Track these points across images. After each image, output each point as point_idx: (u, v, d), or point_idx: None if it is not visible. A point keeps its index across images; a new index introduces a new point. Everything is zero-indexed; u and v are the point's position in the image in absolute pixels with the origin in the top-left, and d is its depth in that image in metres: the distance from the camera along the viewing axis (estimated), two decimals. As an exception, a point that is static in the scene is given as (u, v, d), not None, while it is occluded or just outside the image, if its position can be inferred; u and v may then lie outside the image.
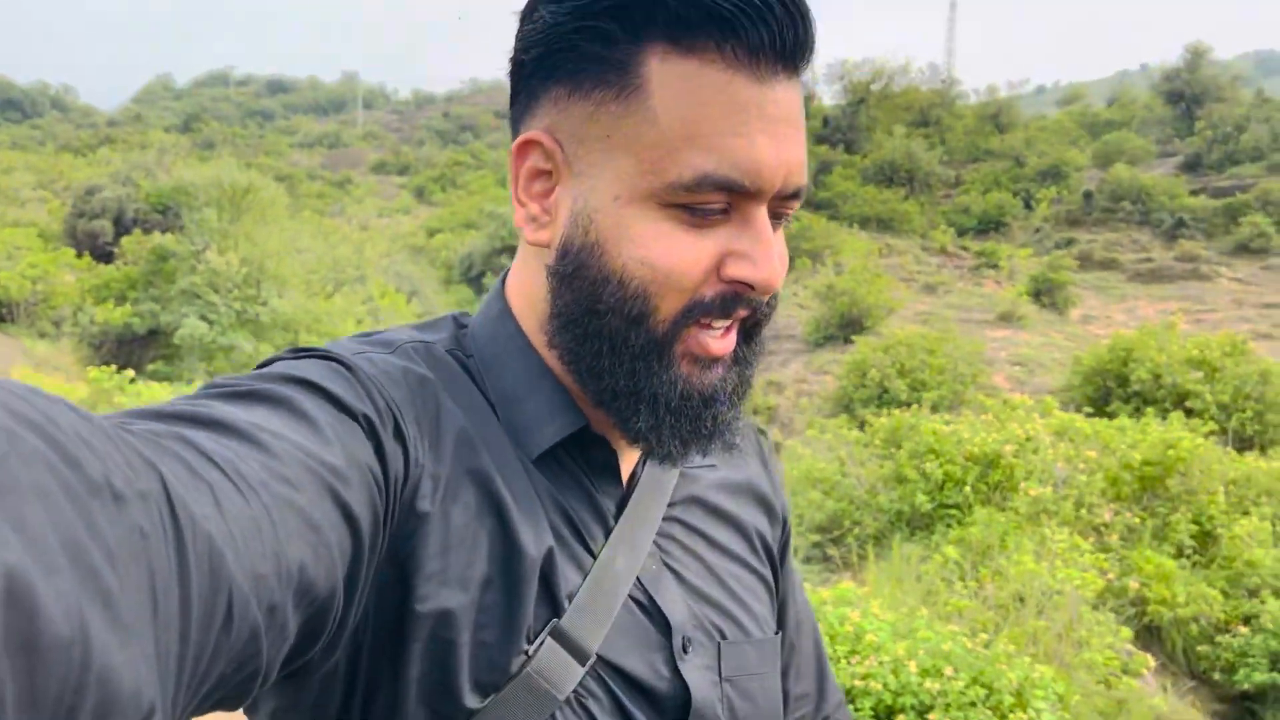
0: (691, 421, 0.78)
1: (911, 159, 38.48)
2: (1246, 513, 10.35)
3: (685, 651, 0.83)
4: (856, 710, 4.33)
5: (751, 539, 0.98)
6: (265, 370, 0.72)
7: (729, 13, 0.69)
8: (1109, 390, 16.62)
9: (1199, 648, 8.79)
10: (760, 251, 0.74)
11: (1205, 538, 10.03)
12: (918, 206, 36.88)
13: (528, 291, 0.84)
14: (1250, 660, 8.49)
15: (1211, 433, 14.05)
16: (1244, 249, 33.07)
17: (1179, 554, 9.69)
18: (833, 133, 42.53)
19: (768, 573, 0.99)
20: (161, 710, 0.44)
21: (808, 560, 9.58)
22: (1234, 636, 8.70)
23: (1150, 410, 14.30)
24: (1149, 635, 9.05)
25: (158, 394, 9.69)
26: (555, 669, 0.75)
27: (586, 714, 0.77)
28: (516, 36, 0.78)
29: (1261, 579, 9.36)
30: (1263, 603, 8.93)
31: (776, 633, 0.97)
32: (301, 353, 0.76)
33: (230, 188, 13.57)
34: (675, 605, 0.85)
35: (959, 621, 6.25)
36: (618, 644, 0.80)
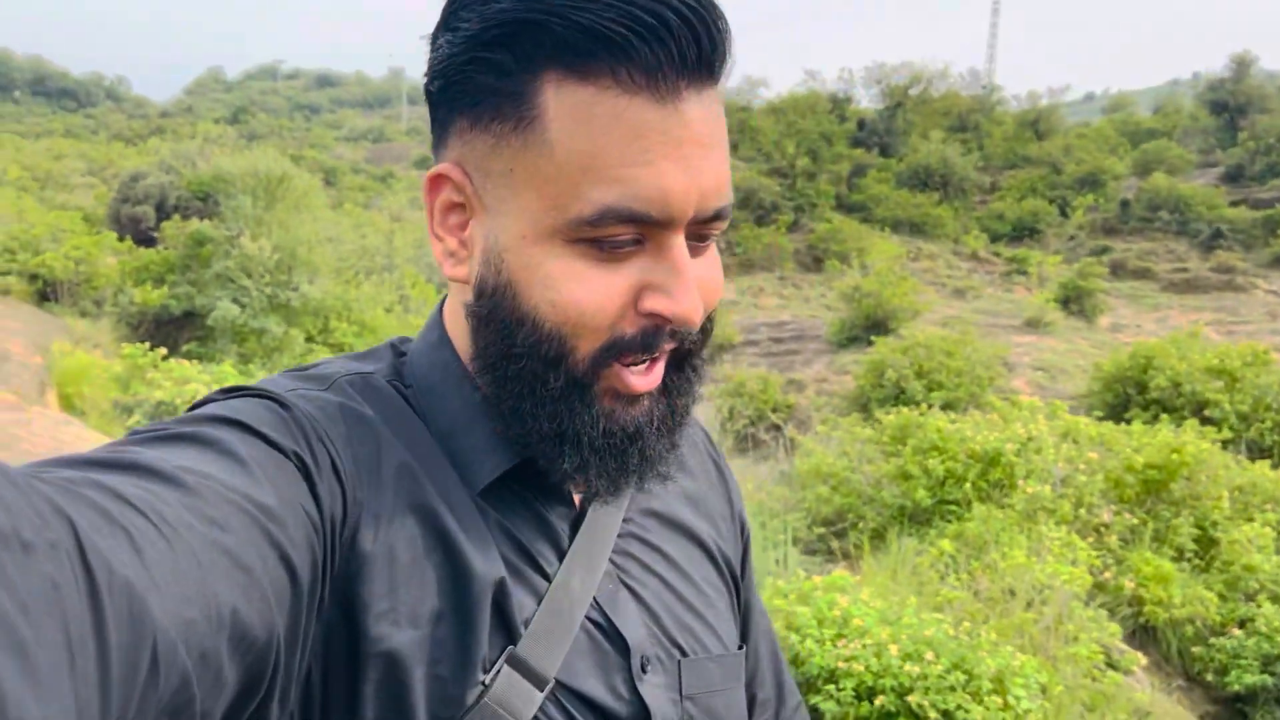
0: (617, 459, 0.76)
1: (946, 164, 38.35)
2: (1251, 519, 10.41)
3: (644, 671, 0.82)
4: (839, 690, 4.53)
5: (710, 550, 0.96)
6: (194, 412, 0.70)
7: (618, 35, 0.66)
8: (1128, 397, 16.65)
9: (1193, 649, 8.83)
10: (678, 284, 0.71)
11: (1208, 542, 10.11)
12: (951, 211, 36.76)
13: (461, 322, 0.81)
14: (1242, 662, 8.55)
15: (1226, 441, 14.09)
16: (1282, 261, 32.73)
17: (1179, 557, 9.79)
18: (868, 136, 42.49)
19: (728, 585, 0.98)
20: None
21: (811, 553, 9.79)
22: (1228, 639, 8.79)
23: (1165, 417, 14.36)
24: (1145, 635, 9.15)
25: (188, 372, 10.08)
26: (513, 697, 0.74)
27: None
28: (427, 63, 0.76)
29: (1260, 583, 9.42)
30: (1259, 606, 9.00)
31: (740, 647, 0.95)
32: (233, 392, 0.75)
33: (265, 176, 14.07)
34: (633, 625, 0.83)
35: (949, 612, 6.41)
36: (576, 667, 0.78)
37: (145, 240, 16.25)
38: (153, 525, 0.52)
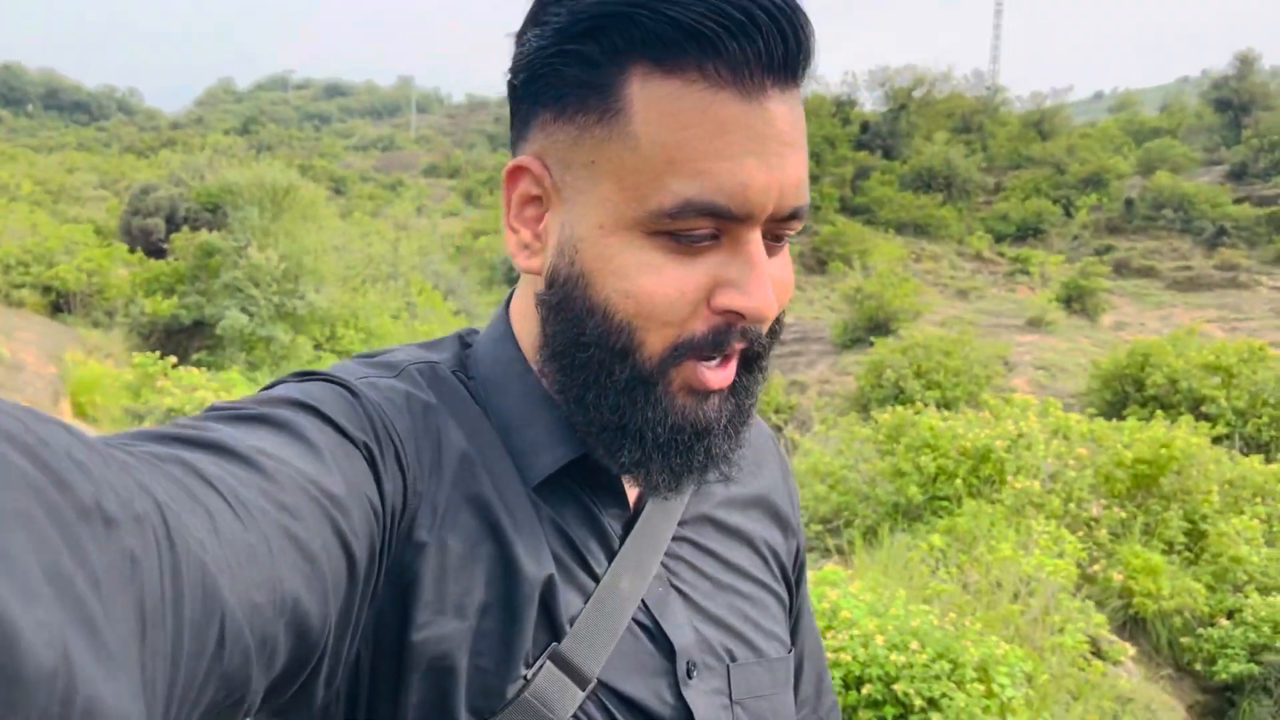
0: (683, 455, 0.76)
1: (950, 165, 38.49)
2: (1241, 512, 10.55)
3: (690, 676, 0.82)
4: (827, 680, 4.75)
5: (764, 555, 0.96)
6: (269, 393, 0.72)
7: (708, 29, 0.67)
8: (1126, 394, 16.75)
9: (1182, 640, 8.98)
10: (752, 279, 0.71)
11: (1197, 535, 10.25)
12: (955, 212, 36.90)
13: (527, 316, 0.82)
14: (1229, 651, 8.64)
15: (1221, 436, 14.22)
16: (1286, 258, 32.77)
17: (1169, 550, 9.94)
18: (872, 139, 42.62)
19: (781, 589, 0.97)
20: None
21: (808, 550, 9.98)
22: (1216, 629, 8.91)
23: (1160, 413, 14.50)
24: (1135, 626, 9.28)
25: (196, 379, 10.34)
26: (554, 693, 0.74)
27: None
28: (511, 60, 0.78)
29: (1248, 574, 9.54)
30: (1246, 597, 9.13)
31: (789, 650, 0.95)
32: (306, 376, 0.76)
33: (271, 187, 14.37)
34: (681, 628, 0.83)
35: (937, 605, 6.57)
36: (619, 668, 0.78)
37: (156, 252, 16.52)
38: (229, 507, 0.54)
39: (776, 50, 0.68)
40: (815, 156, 38.21)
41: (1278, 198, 35.91)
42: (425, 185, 66.84)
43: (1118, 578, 9.16)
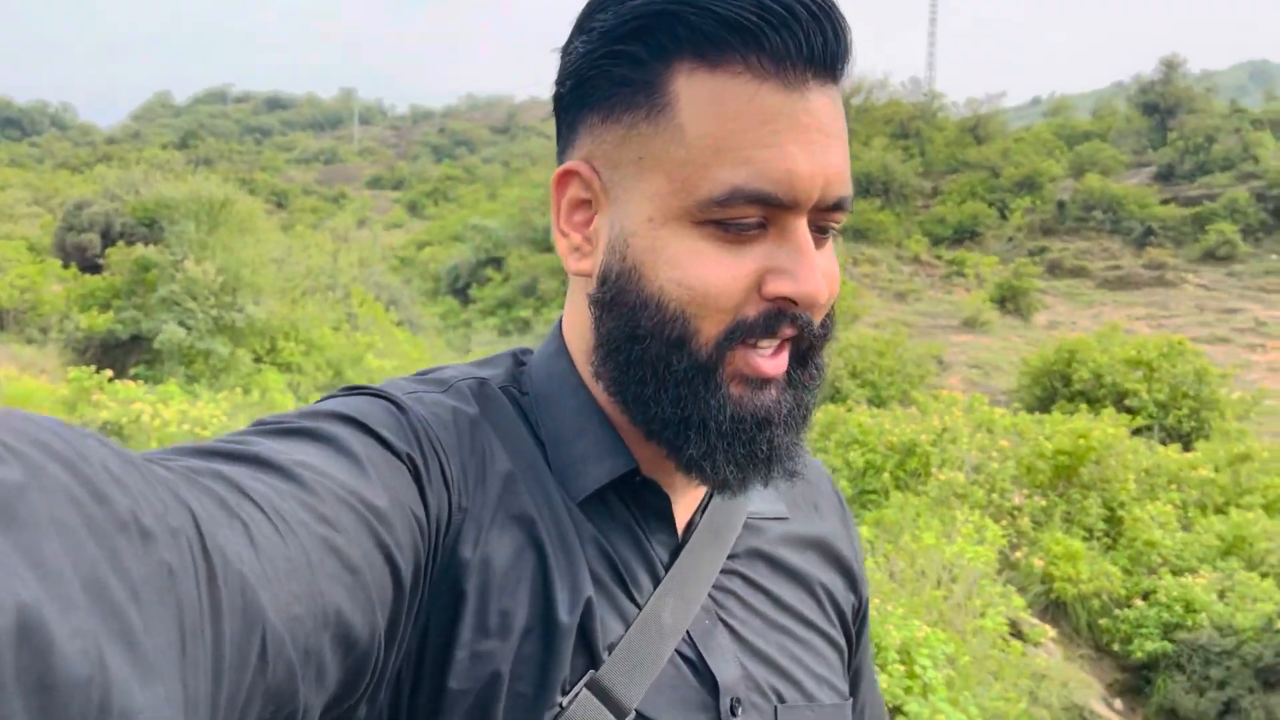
0: (746, 445, 0.75)
1: (887, 171, 39.22)
2: (1157, 498, 10.96)
3: (734, 714, 0.79)
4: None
5: (820, 599, 0.93)
6: (314, 407, 0.72)
7: (751, 23, 0.69)
8: (1055, 390, 17.27)
9: (1101, 621, 9.31)
10: (801, 265, 0.72)
11: (1116, 521, 10.63)
12: (893, 217, 37.60)
13: (578, 326, 0.83)
14: (1144, 631, 8.97)
15: (1142, 428, 14.72)
16: (1211, 256, 33.78)
17: (1089, 536, 10.31)
18: (812, 145, 43.20)
19: (838, 636, 0.94)
20: None
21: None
22: (1132, 610, 9.23)
23: (1084, 407, 14.99)
24: (1057, 610, 9.61)
25: (133, 392, 10.28)
26: None
27: None
28: (557, 71, 0.79)
29: (1162, 557, 9.88)
30: (1160, 579, 9.46)
31: (847, 699, 0.91)
32: (354, 390, 0.76)
33: (208, 201, 14.36)
34: (726, 664, 0.81)
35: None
36: (659, 701, 0.76)
37: (91, 268, 16.36)
38: (268, 520, 0.54)
39: (816, 43, 0.70)
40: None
41: (1202, 198, 37.08)
42: (369, 197, 66.40)
43: (1039, 564, 9.47)
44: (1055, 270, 33.95)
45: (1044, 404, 16.72)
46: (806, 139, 0.70)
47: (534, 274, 31.59)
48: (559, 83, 0.79)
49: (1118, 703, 9.01)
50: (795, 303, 0.72)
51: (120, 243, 15.44)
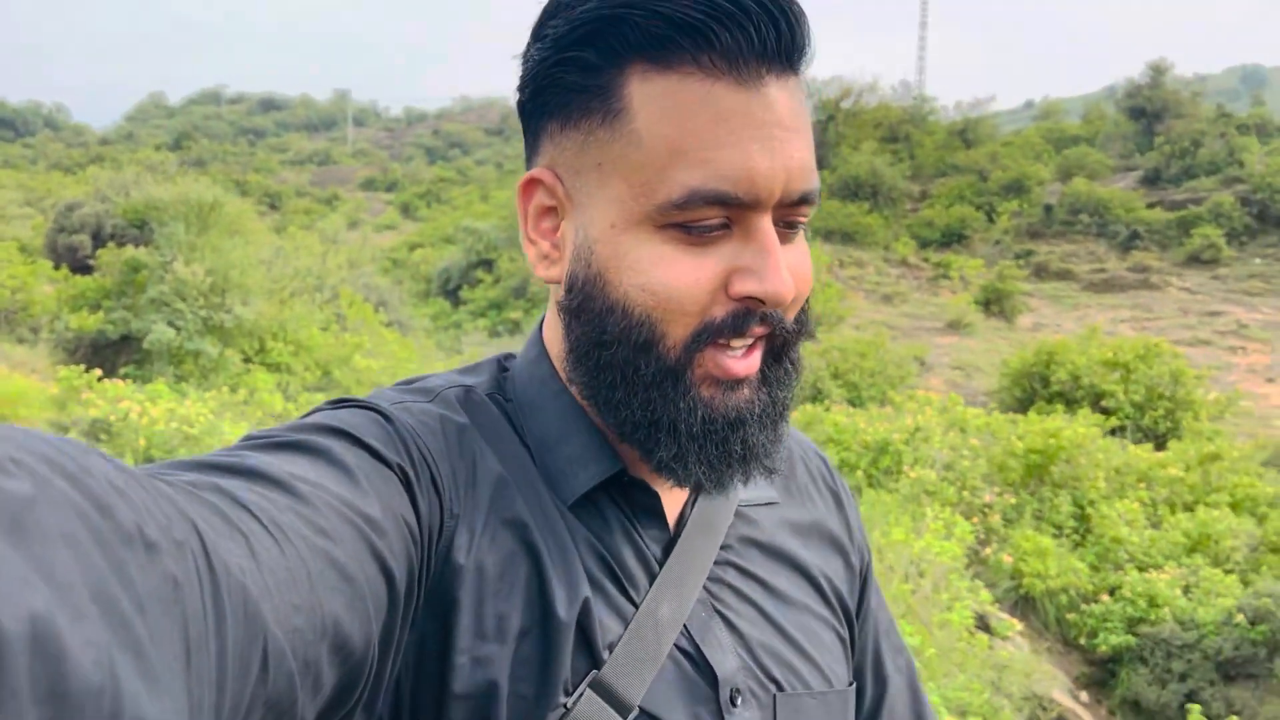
0: (719, 446, 0.75)
1: (875, 174, 39.46)
2: (1125, 496, 11.18)
3: (734, 704, 0.80)
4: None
5: (819, 583, 0.93)
6: (303, 421, 0.72)
7: (700, 22, 0.68)
8: (1034, 391, 17.51)
9: (1068, 616, 9.51)
10: (767, 264, 0.72)
11: (1086, 519, 10.85)
12: (881, 220, 37.86)
13: (556, 330, 0.83)
14: (1109, 625, 9.17)
15: (1116, 428, 14.95)
16: (1195, 260, 34.07)
17: (1059, 533, 10.53)
18: (801, 149, 43.41)
19: (838, 621, 0.94)
20: None
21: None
22: (1097, 605, 9.41)
23: (1059, 407, 15.23)
24: (1026, 605, 9.82)
25: (122, 391, 10.43)
26: None
27: None
28: (519, 78, 0.79)
29: (1129, 554, 10.06)
30: (1126, 575, 9.65)
31: (851, 684, 0.92)
32: (341, 403, 0.77)
33: (197, 203, 14.56)
34: (724, 655, 0.81)
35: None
36: (661, 696, 0.77)
37: (82, 268, 16.49)
38: (267, 532, 0.54)
39: (770, 38, 0.70)
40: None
41: (1188, 202, 37.36)
42: (362, 199, 66.34)
43: (1007, 560, 9.67)
44: (1041, 273, 34.26)
45: (1023, 405, 16.93)
46: (765, 136, 0.70)
47: (524, 276, 31.74)
48: (519, 90, 0.79)
49: (1084, 695, 9.21)
50: (763, 302, 0.73)
51: (111, 244, 15.61)
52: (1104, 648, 9.18)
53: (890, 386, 16.35)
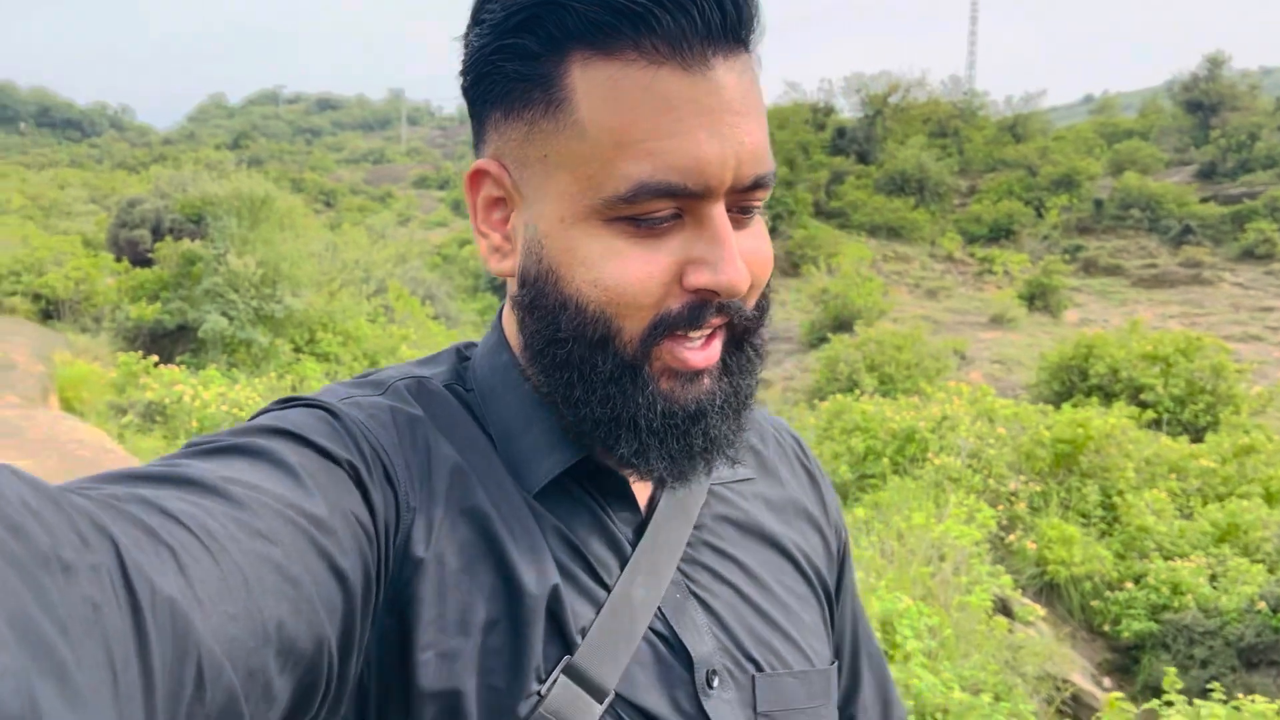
0: (680, 439, 0.74)
1: (923, 169, 39.23)
2: (1155, 487, 11.20)
3: (710, 686, 0.78)
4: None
5: (797, 561, 0.91)
6: (247, 424, 0.70)
7: (640, 5, 0.65)
8: (1073, 384, 17.46)
9: (1093, 603, 9.62)
10: (720, 254, 0.69)
11: (1113, 508, 10.89)
12: (928, 215, 37.64)
13: (514, 321, 0.80)
14: (1132, 612, 9.27)
15: (1154, 421, 14.89)
16: (1249, 254, 33.41)
17: (1086, 521, 10.59)
18: (848, 144, 43.31)
19: (817, 597, 0.93)
20: None
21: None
22: (1122, 592, 9.50)
23: (1095, 399, 15.20)
24: (1051, 592, 9.92)
25: (176, 375, 10.97)
26: (570, 709, 0.71)
27: None
28: (461, 64, 0.75)
29: (1155, 543, 10.11)
30: (1151, 563, 9.74)
31: (832, 663, 0.90)
32: (288, 402, 0.75)
33: (249, 198, 15.13)
34: (699, 636, 0.80)
35: (857, 569, 7.17)
36: (637, 680, 0.76)
37: (142, 261, 17.00)
38: (198, 541, 0.52)
39: (714, 18, 0.67)
40: (789, 162, 38.81)
41: (1243, 196, 36.64)
42: (415, 197, 67.22)
43: (1031, 546, 9.77)
44: (1090, 268, 33.85)
45: (1061, 398, 16.87)
46: (713, 121, 0.67)
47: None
48: (462, 75, 0.76)
49: (1106, 680, 9.30)
50: (717, 293, 0.71)
51: (168, 237, 16.20)
52: (1127, 634, 9.24)
53: (926, 379, 16.43)
